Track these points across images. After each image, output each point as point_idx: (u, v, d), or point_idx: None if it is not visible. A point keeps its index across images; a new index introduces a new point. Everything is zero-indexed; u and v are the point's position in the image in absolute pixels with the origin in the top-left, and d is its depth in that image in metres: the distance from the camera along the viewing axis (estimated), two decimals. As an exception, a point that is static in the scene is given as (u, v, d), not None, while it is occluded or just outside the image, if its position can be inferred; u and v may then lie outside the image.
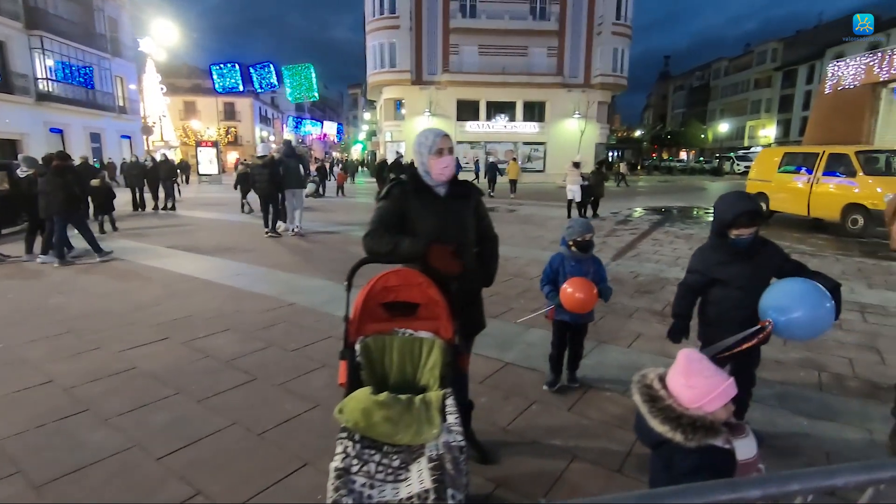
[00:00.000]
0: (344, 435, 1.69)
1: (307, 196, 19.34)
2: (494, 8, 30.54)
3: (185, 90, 50.15)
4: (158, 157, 16.09)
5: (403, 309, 2.14)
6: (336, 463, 1.61)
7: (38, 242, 7.84)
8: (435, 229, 2.21)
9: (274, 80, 30.68)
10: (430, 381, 1.97)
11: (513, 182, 21.12)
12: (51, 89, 22.87)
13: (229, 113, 54.24)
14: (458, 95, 31.19)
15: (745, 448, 1.45)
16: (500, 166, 24.70)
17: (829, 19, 51.77)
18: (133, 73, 30.08)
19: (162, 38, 29.22)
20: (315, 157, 55.07)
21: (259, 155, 9.82)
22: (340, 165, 32.27)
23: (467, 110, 31.78)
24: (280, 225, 10.19)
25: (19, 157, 9.13)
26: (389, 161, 18.40)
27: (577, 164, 13.23)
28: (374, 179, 21.97)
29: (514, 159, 25.08)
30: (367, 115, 63.17)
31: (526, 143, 32.42)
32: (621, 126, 70.61)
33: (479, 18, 30.64)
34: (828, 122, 14.10)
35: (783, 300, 2.22)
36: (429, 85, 30.80)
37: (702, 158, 55.27)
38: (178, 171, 20.89)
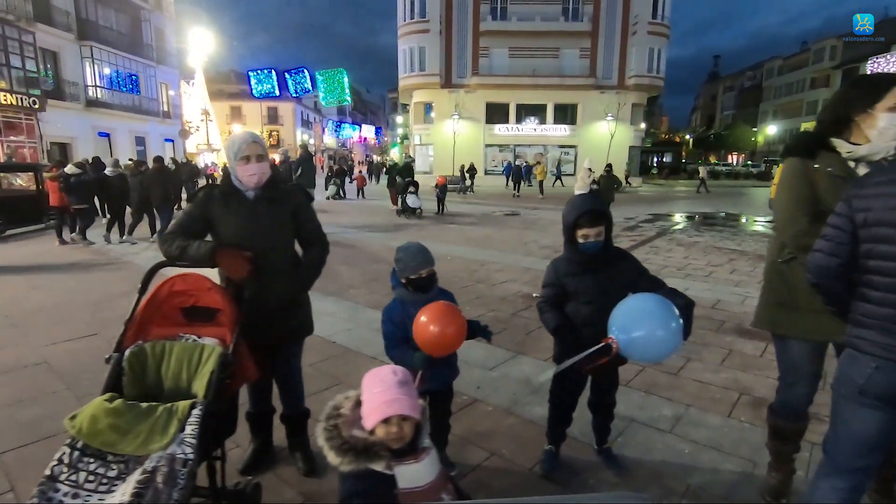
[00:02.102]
0: (67, 442, 1.66)
1: (327, 198, 19.84)
2: (525, 10, 30.18)
3: (231, 95, 52.46)
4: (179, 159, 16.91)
5: (202, 314, 2.11)
6: (46, 471, 1.58)
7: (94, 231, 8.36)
8: (237, 233, 2.17)
9: (308, 84, 31.43)
10: (198, 389, 1.92)
11: (541, 184, 21.67)
12: (99, 96, 24.40)
13: (272, 117, 56.24)
14: (487, 98, 31.02)
15: (412, 475, 1.31)
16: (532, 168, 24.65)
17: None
18: (176, 80, 31.67)
19: (208, 47, 30.75)
20: (355, 161, 56.40)
21: (279, 160, 10.19)
22: (365, 168, 32.74)
23: (497, 113, 31.55)
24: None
25: (111, 159, 11.55)
26: (400, 164, 18.64)
27: (589, 169, 12.90)
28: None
29: (539, 162, 25.10)
30: (399, 119, 63.90)
31: (559, 147, 31.80)
32: (666, 129, 68.11)
33: (509, 21, 30.37)
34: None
35: (624, 318, 2.03)
36: (458, 88, 30.79)
37: (749, 162, 52.47)
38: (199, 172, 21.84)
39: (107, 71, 24.84)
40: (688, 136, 59.73)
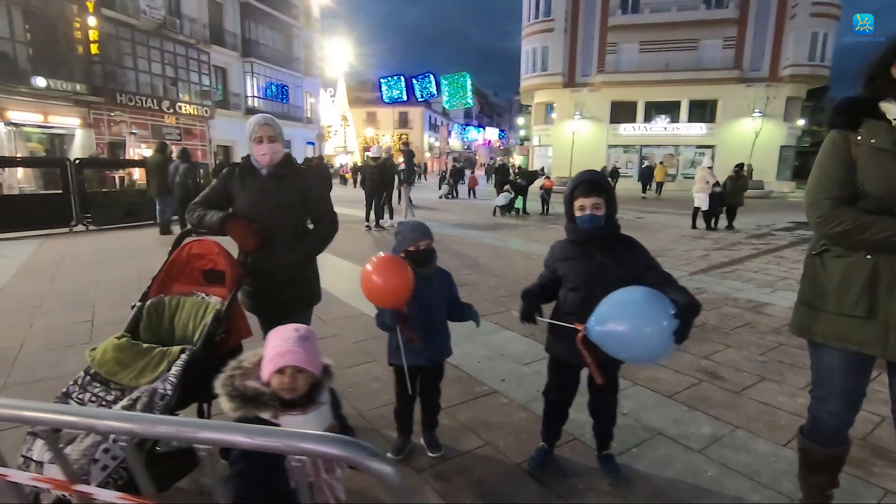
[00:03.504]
0: (84, 368, 2.02)
1: (440, 197, 20.55)
2: (661, 0, 28.07)
3: (367, 102, 56.80)
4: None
5: (217, 277, 2.40)
6: (62, 388, 1.94)
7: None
8: (248, 207, 2.42)
9: (433, 89, 32.75)
10: (196, 337, 2.18)
11: (659, 185, 21.75)
12: (256, 104, 28.12)
13: (403, 121, 59.70)
14: (612, 97, 29.46)
15: (297, 426, 1.35)
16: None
17: None
18: (318, 89, 35.17)
19: (348, 58, 33.86)
20: (480, 163, 57.52)
21: (373, 156, 10.82)
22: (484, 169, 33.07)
23: (623, 112, 29.79)
24: (385, 221, 11.11)
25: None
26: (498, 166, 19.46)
27: (710, 168, 11.64)
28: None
29: (661, 163, 24.09)
30: (520, 121, 63.37)
31: (696, 147, 29.03)
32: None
33: (641, 13, 28.53)
34: None
35: (605, 308, 1.87)
36: (581, 87, 29.73)
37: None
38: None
39: (262, 83, 28.51)
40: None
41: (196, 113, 23.62)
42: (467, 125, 71.86)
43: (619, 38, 29.10)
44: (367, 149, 35.65)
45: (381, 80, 34.19)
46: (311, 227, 2.61)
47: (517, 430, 2.71)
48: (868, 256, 1.61)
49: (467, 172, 27.62)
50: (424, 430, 2.50)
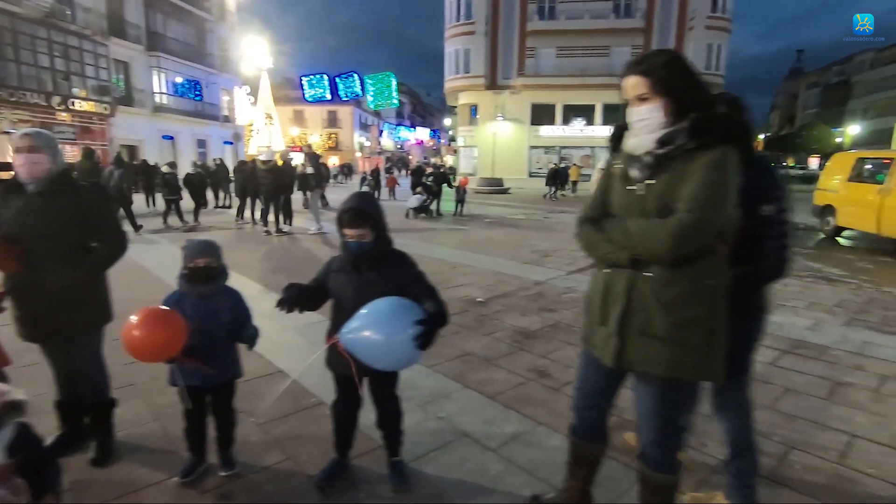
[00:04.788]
0: None
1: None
2: (575, 8, 29.37)
3: (294, 100, 55.00)
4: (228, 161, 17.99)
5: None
6: None
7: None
8: (11, 226, 2.26)
9: (357, 88, 32.34)
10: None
11: (574, 183, 22.70)
12: (164, 102, 26.49)
13: (332, 120, 58.43)
14: (533, 99, 30.48)
15: None
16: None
17: None
18: (237, 86, 33.69)
19: (269, 55, 32.49)
20: (414, 163, 57.46)
21: (264, 160, 10.52)
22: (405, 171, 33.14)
23: (543, 114, 30.89)
24: (285, 226, 10.84)
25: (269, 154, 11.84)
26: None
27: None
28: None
29: (576, 165, 25.14)
30: (447, 121, 64.14)
31: (605, 148, 30.59)
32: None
33: (557, 20, 29.70)
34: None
35: (358, 317, 1.99)
36: (503, 90, 30.50)
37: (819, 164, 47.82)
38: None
39: (173, 79, 26.91)
40: (760, 137, 55.39)
41: (94, 110, 21.91)
42: (399, 125, 71.67)
43: (537, 42, 30.13)
44: (291, 149, 34.73)
45: (303, 78, 33.32)
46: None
47: (327, 442, 2.72)
48: (605, 270, 1.76)
49: (384, 172, 27.52)
50: (219, 449, 2.46)
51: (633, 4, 28.89)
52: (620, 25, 29.07)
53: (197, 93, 28.79)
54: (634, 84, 1.61)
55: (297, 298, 2.09)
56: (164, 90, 26.45)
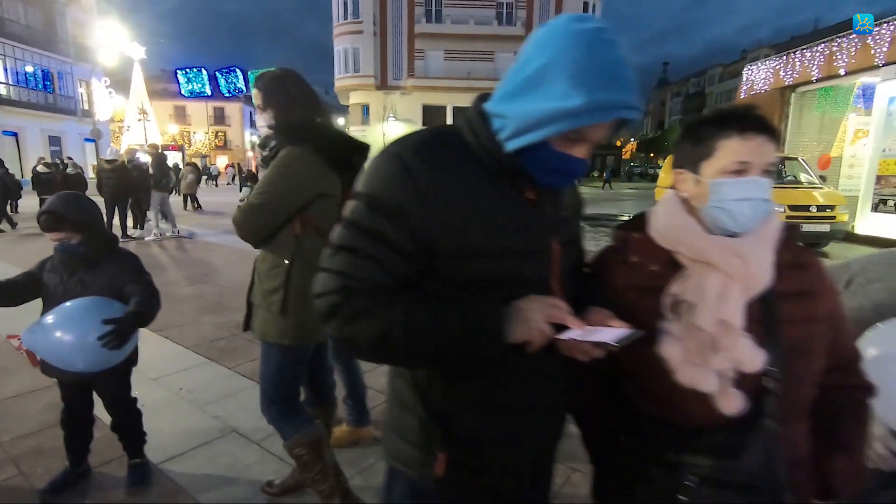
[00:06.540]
0: None
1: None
2: (460, 13, 30.36)
3: (176, 94, 50.69)
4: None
5: None
6: None
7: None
8: None
9: (241, 84, 30.83)
10: None
11: None
12: (6, 92, 23.21)
13: (219, 117, 54.58)
14: (423, 100, 31.02)
15: None
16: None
17: (824, 26, 50.51)
18: (98, 77, 30.42)
19: (140, 44, 29.53)
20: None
21: (108, 159, 9.62)
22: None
23: (435, 115, 31.52)
24: (134, 231, 10.06)
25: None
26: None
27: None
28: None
29: None
30: (341, 121, 63.38)
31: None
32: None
33: (444, 24, 30.51)
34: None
35: (46, 316, 1.98)
36: (394, 90, 30.69)
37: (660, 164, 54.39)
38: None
39: (14, 67, 23.65)
40: (632, 140, 61.34)
41: None
42: (294, 123, 68.90)
43: (425, 45, 30.72)
44: (168, 148, 31.96)
45: (178, 72, 31.04)
46: None
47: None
48: None
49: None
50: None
51: (514, 13, 30.50)
52: (503, 32, 30.58)
53: (47, 83, 25.57)
54: None
55: None
56: (5, 79, 23.17)
